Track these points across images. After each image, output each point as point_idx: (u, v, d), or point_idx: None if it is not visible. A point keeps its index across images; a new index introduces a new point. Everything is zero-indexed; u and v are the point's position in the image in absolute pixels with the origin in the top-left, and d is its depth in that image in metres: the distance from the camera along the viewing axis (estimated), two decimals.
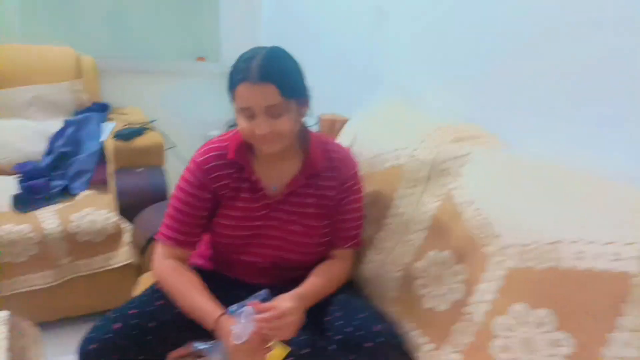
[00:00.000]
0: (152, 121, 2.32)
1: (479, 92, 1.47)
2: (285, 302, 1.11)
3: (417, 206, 1.31)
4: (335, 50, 2.19)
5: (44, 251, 1.79)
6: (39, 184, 1.91)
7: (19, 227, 1.75)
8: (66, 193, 1.99)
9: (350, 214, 1.30)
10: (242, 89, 1.07)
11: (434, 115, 1.49)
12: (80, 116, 2.23)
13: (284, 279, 1.26)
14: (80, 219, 1.85)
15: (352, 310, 1.16)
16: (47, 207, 1.88)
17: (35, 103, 2.25)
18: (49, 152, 2.13)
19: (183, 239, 1.26)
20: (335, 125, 1.84)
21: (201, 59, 2.86)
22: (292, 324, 1.09)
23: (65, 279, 1.85)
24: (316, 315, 1.19)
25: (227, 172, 1.23)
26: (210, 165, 1.22)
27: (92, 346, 1.05)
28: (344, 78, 2.13)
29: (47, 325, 1.69)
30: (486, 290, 1.04)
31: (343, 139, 1.64)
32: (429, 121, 1.43)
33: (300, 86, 1.16)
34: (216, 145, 1.25)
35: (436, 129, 1.37)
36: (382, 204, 1.40)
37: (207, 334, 1.12)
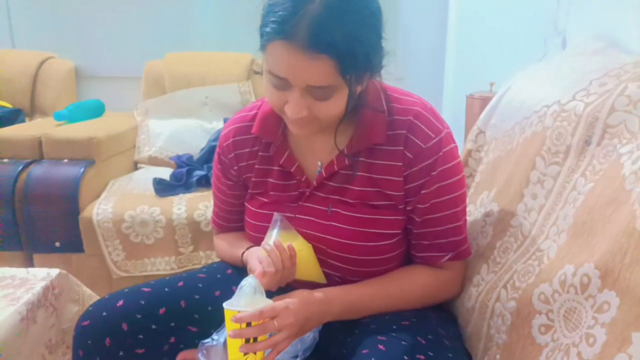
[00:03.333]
0: None
1: None
2: (288, 299, 0.74)
3: (562, 193, 0.76)
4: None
5: (169, 236, 1.77)
6: (181, 172, 1.94)
7: (152, 209, 1.78)
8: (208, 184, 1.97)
9: (438, 210, 0.83)
10: (277, 51, 0.69)
11: (631, 55, 0.88)
12: None
13: None
14: (206, 208, 1.78)
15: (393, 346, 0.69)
16: (183, 195, 1.88)
17: (208, 103, 2.37)
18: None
19: (224, 224, 1.06)
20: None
21: None
22: (286, 328, 0.72)
23: (185, 268, 1.79)
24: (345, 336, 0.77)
25: (251, 151, 0.92)
26: (229, 142, 0.94)
27: (84, 322, 0.86)
28: (511, 42, 1.59)
29: None
30: None
31: (483, 113, 1.15)
32: (608, 61, 0.85)
33: (370, 55, 0.73)
34: (241, 115, 0.95)
35: (612, 69, 0.80)
36: (510, 195, 0.88)
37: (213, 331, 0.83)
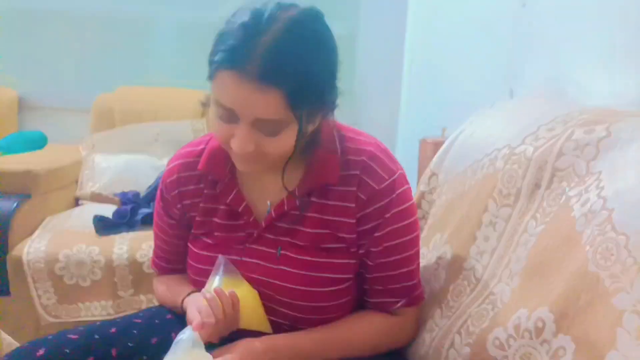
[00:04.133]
0: None
1: None
2: (228, 354, 0.68)
3: (514, 236, 0.75)
4: (461, 53, 1.75)
5: (107, 278, 1.65)
6: (125, 209, 1.85)
7: (90, 248, 1.66)
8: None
9: (392, 254, 0.79)
10: (225, 80, 0.66)
11: (576, 103, 0.92)
12: None
13: None
14: (150, 248, 1.67)
15: None
16: (126, 234, 1.78)
17: (159, 139, 2.30)
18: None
19: (165, 266, 0.99)
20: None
21: None
22: None
23: (124, 314, 1.67)
24: None
25: (196, 188, 0.86)
26: (173, 178, 0.88)
27: None
28: (462, 89, 1.65)
29: None
30: None
31: (436, 156, 1.15)
32: (556, 108, 0.88)
33: (323, 92, 0.71)
34: (188, 150, 0.89)
35: (558, 115, 0.82)
36: (463, 238, 0.87)
37: None
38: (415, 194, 1.10)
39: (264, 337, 0.75)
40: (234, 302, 0.75)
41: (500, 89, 1.39)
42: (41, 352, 0.77)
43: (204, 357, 0.67)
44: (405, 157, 2.21)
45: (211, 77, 0.69)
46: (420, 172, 1.58)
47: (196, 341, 0.68)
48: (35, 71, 2.48)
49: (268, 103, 0.65)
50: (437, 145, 1.28)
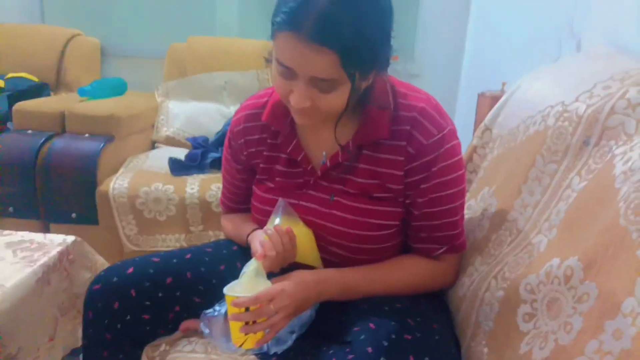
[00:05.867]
0: None
1: None
2: (285, 281, 0.78)
3: (557, 191, 0.78)
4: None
5: (180, 214, 1.83)
6: (196, 153, 1.99)
7: (165, 186, 1.84)
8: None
9: (437, 205, 0.85)
10: (285, 41, 0.72)
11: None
12: None
13: None
14: (218, 189, 1.83)
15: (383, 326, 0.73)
16: (197, 175, 1.93)
17: (227, 88, 2.42)
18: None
19: (232, 205, 1.11)
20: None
21: (394, 57, 2.62)
22: (283, 310, 0.75)
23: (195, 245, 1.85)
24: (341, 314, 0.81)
25: (260, 138, 0.95)
26: (239, 127, 0.97)
27: (95, 286, 0.91)
28: (526, 42, 1.59)
29: None
30: (623, 334, 0.49)
31: (491, 111, 1.17)
32: (616, 65, 0.86)
33: (376, 52, 0.75)
34: (253, 102, 0.98)
35: (617, 73, 0.81)
36: (509, 191, 0.90)
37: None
38: (468, 147, 1.13)
39: (315, 270, 0.85)
40: (292, 237, 0.85)
41: (568, 42, 1.34)
42: (130, 270, 0.91)
43: (264, 283, 0.78)
44: (464, 110, 2.19)
45: (273, 36, 0.75)
46: (477, 126, 1.59)
47: (259, 270, 0.79)
48: (115, 22, 2.66)
49: (323, 63, 0.71)
50: (495, 99, 1.28)
